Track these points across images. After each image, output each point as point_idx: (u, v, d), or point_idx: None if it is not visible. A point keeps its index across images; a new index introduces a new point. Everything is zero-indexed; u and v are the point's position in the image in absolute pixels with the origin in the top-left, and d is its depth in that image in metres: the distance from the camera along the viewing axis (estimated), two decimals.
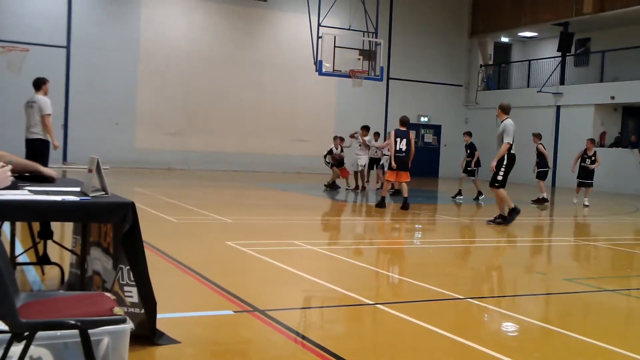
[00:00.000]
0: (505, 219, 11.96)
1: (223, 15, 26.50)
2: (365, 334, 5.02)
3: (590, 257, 10.03)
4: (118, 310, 3.13)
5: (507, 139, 11.54)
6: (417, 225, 12.67)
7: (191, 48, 25.93)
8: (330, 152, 19.00)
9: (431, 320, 5.15)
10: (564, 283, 7.44)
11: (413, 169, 14.79)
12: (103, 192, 4.10)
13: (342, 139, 19.42)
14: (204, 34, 26.23)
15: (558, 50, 27.40)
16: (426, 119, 30.24)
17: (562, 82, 27.29)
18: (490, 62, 31.88)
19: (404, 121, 14.48)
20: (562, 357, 4.61)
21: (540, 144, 17.89)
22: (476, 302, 6.05)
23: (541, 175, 17.70)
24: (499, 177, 11.75)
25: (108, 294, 3.43)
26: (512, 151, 11.74)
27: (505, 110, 12.02)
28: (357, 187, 18.93)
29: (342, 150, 19.05)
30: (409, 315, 5.31)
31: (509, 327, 5.37)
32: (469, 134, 18.36)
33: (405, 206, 13.71)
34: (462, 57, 31.35)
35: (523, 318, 5.54)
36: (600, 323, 5.71)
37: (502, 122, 11.88)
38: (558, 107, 27.01)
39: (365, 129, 19.32)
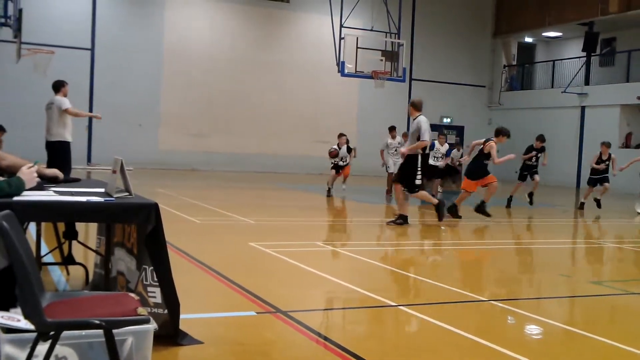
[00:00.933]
0: (406, 219, 11.29)
1: (245, 16, 26.60)
2: (387, 336, 5.00)
3: (618, 260, 9.91)
4: (142, 310, 3.16)
5: (426, 137, 11.02)
6: (439, 227, 12.60)
7: (214, 50, 26.06)
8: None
9: (454, 322, 5.12)
10: (590, 286, 7.37)
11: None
12: (127, 193, 4.13)
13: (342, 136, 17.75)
14: (227, 36, 26.35)
15: (583, 50, 27.11)
16: (449, 120, 30.09)
17: (587, 82, 27.01)
18: (514, 63, 31.65)
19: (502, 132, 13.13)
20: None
21: (610, 153, 16.62)
22: (500, 304, 6.00)
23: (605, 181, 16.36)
24: (417, 182, 11.12)
25: (132, 294, 3.45)
26: (426, 151, 11.47)
27: (417, 107, 11.36)
28: (388, 190, 17.88)
29: (349, 151, 17.43)
30: (432, 317, 5.28)
31: (533, 329, 5.31)
32: (541, 139, 16.60)
33: (451, 211, 12.65)
34: (486, 57, 31.16)
35: (548, 321, 5.49)
36: (627, 327, 5.64)
37: (414, 119, 11.26)
38: (583, 108, 26.74)
39: (392, 129, 18.65)
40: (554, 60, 29.91)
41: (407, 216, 11.31)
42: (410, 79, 28.49)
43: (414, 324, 5.24)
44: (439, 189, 17.89)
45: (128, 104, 24.54)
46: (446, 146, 17.81)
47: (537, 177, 16.57)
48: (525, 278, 7.95)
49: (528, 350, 4.59)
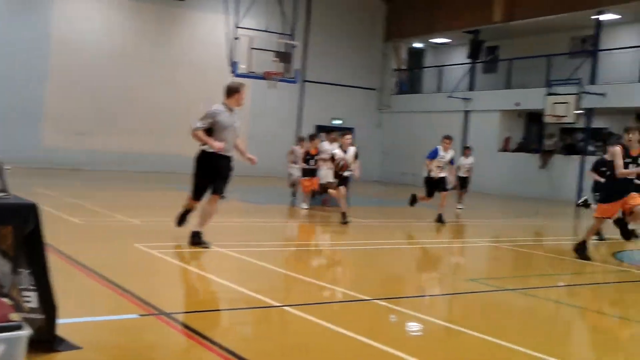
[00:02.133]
0: (197, 237, 8.56)
1: (138, 12, 25.97)
2: (272, 337, 5.04)
3: (493, 258, 10.39)
4: (14, 316, 3.06)
5: (197, 124, 8.35)
6: (329, 228, 12.79)
7: (105, 46, 25.28)
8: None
9: (338, 322, 5.22)
10: (468, 283, 7.69)
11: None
12: (3, 193, 3.98)
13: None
14: (119, 32, 25.64)
15: (468, 57, 28.25)
16: (339, 122, 30.53)
17: (471, 88, 28.15)
18: (404, 67, 32.54)
19: None
20: (465, 356, 4.77)
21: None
22: (382, 303, 6.17)
23: None
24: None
25: (4, 300, 3.33)
26: (206, 149, 8.42)
27: (226, 92, 8.59)
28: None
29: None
30: (316, 317, 5.36)
31: (413, 327, 5.50)
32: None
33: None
34: (377, 61, 31.83)
35: (428, 318, 5.70)
36: (501, 322, 5.93)
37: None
38: (467, 112, 27.83)
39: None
40: (441, 66, 30.97)
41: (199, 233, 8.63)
42: (303, 80, 28.72)
43: (300, 324, 5.31)
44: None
45: (9, 99, 23.41)
46: (451, 153, 14.04)
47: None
48: (407, 277, 8.21)
49: (408, 348, 4.74)
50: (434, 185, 13.69)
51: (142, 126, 25.80)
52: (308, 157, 15.23)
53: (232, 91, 8.54)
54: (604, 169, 11.66)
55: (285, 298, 6.36)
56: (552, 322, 6.19)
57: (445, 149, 13.84)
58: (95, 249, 8.22)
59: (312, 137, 15.67)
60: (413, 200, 14.14)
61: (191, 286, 6.63)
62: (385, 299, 6.41)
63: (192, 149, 8.79)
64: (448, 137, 14.06)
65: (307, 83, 29.37)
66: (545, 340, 5.27)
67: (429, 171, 13.69)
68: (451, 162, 14.15)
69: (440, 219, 13.46)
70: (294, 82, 23.21)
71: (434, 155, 13.76)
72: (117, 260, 7.55)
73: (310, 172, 15.10)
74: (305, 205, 14.79)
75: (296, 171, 16.60)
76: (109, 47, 25.34)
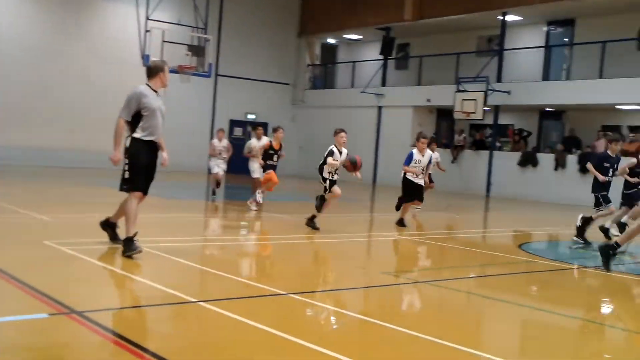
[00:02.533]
0: (129, 245, 7.45)
1: (46, 3, 25.03)
2: (187, 333, 4.98)
3: (406, 251, 10.61)
4: None
5: (123, 114, 7.67)
6: (243, 222, 12.74)
7: (13, 37, 24.20)
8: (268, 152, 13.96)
9: (254, 317, 5.21)
10: (382, 276, 7.83)
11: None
12: None
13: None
14: (26, 23, 24.60)
15: (380, 54, 28.68)
16: (253, 117, 30.39)
17: (383, 84, 28.59)
18: (318, 62, 32.72)
19: None
20: (379, 348, 4.84)
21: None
22: (298, 297, 6.20)
23: None
24: (126, 175, 7.64)
25: None
26: (136, 136, 7.71)
27: (149, 73, 7.83)
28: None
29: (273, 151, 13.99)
30: (232, 312, 5.33)
31: (329, 320, 5.55)
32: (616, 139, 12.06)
33: None
34: (291, 56, 31.87)
35: (343, 311, 5.77)
36: (414, 314, 6.07)
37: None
38: (380, 108, 28.27)
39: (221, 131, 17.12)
40: (354, 62, 31.31)
41: (114, 225, 8.07)
42: (217, 75, 28.42)
43: (215, 319, 5.26)
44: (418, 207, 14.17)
45: None
46: (428, 154, 12.82)
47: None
48: (322, 271, 8.27)
49: (325, 341, 4.77)
50: (413, 190, 12.44)
51: (54, 121, 24.89)
52: (271, 151, 13.86)
53: (156, 70, 7.73)
54: (607, 164, 11.53)
55: (201, 293, 6.30)
56: (464, 312, 6.38)
57: (421, 151, 12.50)
58: (1, 247, 7.90)
59: (275, 130, 14.30)
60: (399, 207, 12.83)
61: (104, 283, 6.46)
62: (301, 293, 6.44)
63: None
64: (423, 137, 12.64)
65: (220, 77, 29.08)
66: (457, 331, 5.42)
67: (405, 173, 12.47)
68: (429, 163, 13.05)
69: (401, 223, 12.54)
70: (207, 76, 22.97)
71: (408, 160, 12.46)
72: (25, 258, 7.27)
73: (271, 168, 13.80)
74: (254, 206, 13.84)
75: (215, 166, 16.52)
76: (17, 39, 24.39)
